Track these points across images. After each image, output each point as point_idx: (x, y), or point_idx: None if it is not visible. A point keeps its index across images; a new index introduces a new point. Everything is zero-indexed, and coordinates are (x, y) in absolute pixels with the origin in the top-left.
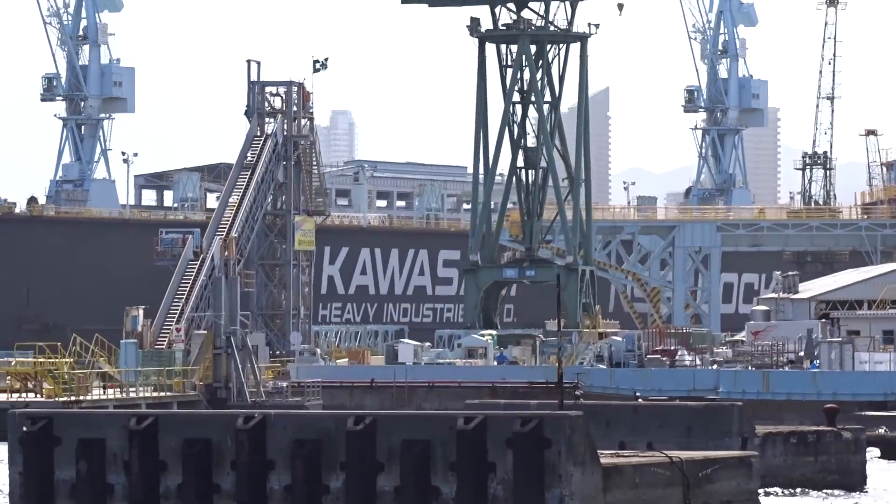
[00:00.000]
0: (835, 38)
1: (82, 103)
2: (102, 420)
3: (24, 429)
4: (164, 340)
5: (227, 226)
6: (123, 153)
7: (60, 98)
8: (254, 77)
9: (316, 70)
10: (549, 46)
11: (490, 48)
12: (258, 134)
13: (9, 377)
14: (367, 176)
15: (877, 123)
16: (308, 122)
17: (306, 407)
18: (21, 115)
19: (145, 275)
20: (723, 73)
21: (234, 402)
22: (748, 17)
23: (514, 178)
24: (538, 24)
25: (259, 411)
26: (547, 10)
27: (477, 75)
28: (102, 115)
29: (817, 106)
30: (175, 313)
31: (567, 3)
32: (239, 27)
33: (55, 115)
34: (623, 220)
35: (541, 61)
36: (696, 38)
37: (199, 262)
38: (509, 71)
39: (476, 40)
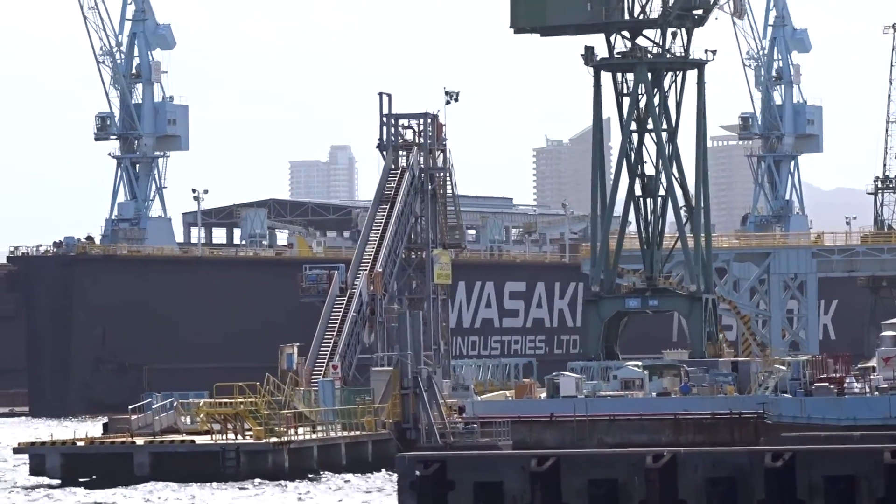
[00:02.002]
0: None
1: (136, 142)
2: (500, 462)
3: (417, 473)
4: (318, 378)
5: (371, 260)
6: (194, 190)
7: (114, 137)
8: (386, 110)
9: (447, 102)
10: (665, 74)
11: (605, 77)
12: (393, 167)
13: (201, 416)
14: None
15: None
16: (442, 154)
17: (499, 447)
18: (74, 154)
19: (217, 312)
20: (777, 99)
21: (423, 443)
22: (802, 43)
23: (630, 207)
24: (653, 51)
25: (667, 449)
26: (663, 38)
27: (593, 105)
28: (157, 154)
29: (886, 130)
30: (326, 350)
31: (683, 30)
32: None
33: (109, 154)
34: (717, 248)
35: (656, 89)
36: (750, 65)
37: (346, 298)
38: (625, 100)
39: (591, 69)
